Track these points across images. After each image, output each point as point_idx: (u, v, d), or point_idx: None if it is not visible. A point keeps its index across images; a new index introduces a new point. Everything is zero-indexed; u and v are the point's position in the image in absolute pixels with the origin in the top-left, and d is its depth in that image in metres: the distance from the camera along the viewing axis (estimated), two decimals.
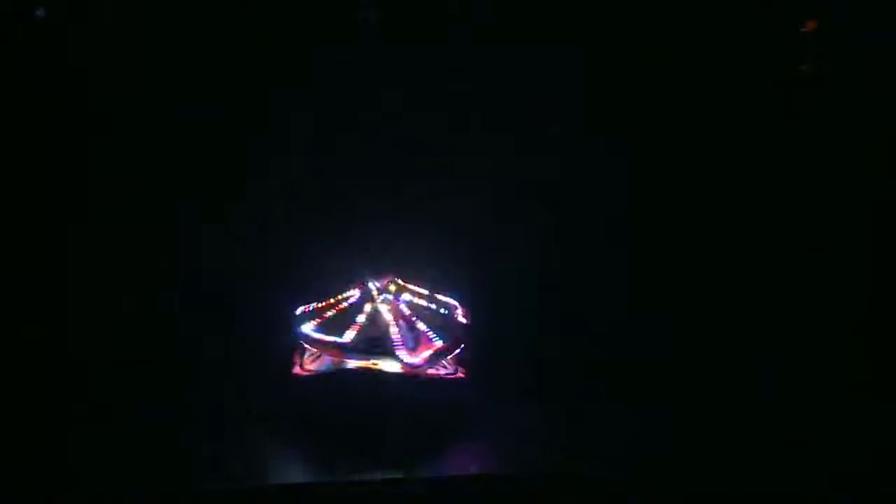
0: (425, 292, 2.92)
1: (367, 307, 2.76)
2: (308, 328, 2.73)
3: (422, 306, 2.85)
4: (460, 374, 2.75)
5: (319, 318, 2.77)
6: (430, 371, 2.65)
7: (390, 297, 2.82)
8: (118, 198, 3.09)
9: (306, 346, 2.74)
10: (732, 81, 3.15)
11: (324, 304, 2.86)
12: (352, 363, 2.62)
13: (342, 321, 2.72)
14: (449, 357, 2.74)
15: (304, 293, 2.93)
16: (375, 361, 2.60)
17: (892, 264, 3.02)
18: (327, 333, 2.69)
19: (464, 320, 2.87)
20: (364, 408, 2.54)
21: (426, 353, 2.65)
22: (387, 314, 2.74)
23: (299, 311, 2.85)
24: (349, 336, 2.65)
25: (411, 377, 2.60)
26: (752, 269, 3.15)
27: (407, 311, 2.78)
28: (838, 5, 3.04)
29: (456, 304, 2.92)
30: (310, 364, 2.73)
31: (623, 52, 3.18)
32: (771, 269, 3.15)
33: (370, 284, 2.86)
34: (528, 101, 3.19)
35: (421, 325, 2.74)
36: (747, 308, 3.10)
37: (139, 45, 3.07)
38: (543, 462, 2.47)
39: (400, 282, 2.91)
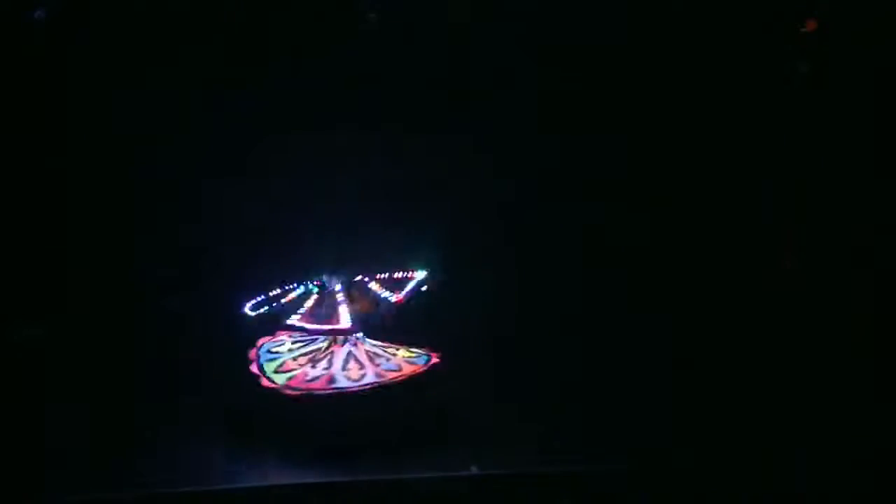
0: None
1: (340, 296, 2.86)
2: (294, 320, 2.80)
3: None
4: (434, 361, 2.72)
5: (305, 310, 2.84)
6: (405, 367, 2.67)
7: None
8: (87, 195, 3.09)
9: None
10: (731, 81, 3.16)
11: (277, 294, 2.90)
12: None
13: (327, 309, 2.83)
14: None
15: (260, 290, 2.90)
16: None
17: (893, 263, 3.03)
18: (319, 322, 2.79)
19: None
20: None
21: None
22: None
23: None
24: (345, 320, 2.77)
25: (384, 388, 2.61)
26: (744, 264, 3.16)
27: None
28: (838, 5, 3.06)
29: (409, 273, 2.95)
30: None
31: (621, 54, 3.18)
32: (765, 265, 3.16)
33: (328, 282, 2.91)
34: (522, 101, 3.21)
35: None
36: (739, 302, 3.11)
37: None
38: (540, 460, 2.46)
39: (357, 278, 2.94)
